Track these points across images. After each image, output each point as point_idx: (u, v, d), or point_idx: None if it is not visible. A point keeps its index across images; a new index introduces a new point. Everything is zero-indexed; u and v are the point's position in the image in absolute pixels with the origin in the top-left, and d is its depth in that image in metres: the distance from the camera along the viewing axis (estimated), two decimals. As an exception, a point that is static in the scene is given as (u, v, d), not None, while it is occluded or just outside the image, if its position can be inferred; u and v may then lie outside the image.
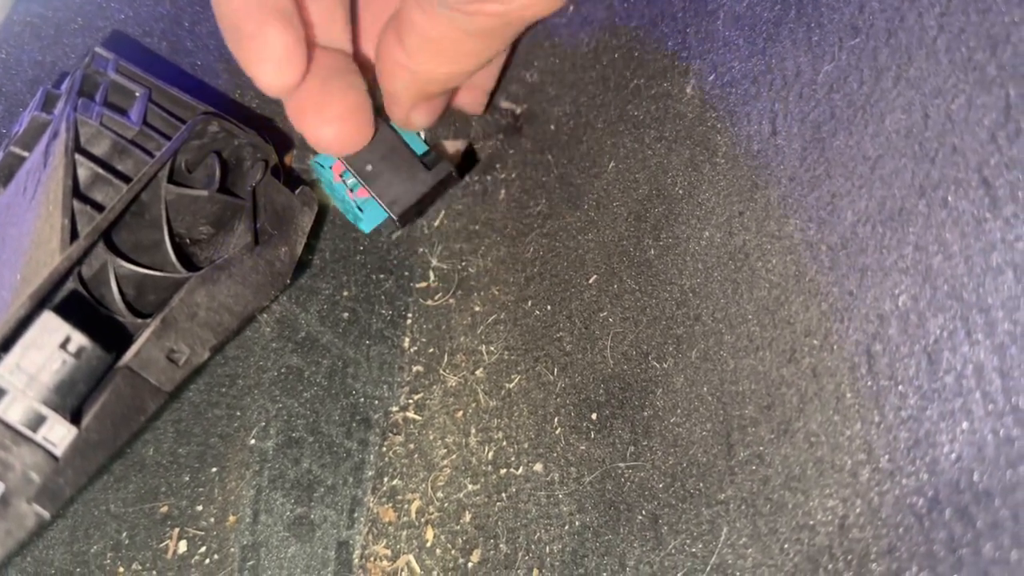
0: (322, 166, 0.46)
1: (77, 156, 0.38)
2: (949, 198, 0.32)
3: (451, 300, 0.56)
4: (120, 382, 0.36)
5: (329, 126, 0.39)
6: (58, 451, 0.34)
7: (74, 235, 0.36)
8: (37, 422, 0.34)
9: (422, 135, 0.48)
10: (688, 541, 0.39)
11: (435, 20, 0.35)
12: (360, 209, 0.46)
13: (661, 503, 0.41)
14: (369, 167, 0.45)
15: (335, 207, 0.55)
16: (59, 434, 0.34)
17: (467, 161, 0.58)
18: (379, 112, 0.44)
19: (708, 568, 0.38)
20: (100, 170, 0.38)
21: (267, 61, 0.35)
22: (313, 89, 0.38)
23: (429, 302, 0.56)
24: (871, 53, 0.37)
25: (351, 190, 0.45)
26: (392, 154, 0.46)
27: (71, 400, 0.35)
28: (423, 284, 0.56)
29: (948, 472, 0.30)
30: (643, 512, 0.42)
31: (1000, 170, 0.31)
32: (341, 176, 0.46)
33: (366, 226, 0.47)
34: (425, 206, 0.48)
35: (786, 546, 0.35)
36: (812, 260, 0.38)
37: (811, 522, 0.34)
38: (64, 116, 0.39)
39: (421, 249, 0.57)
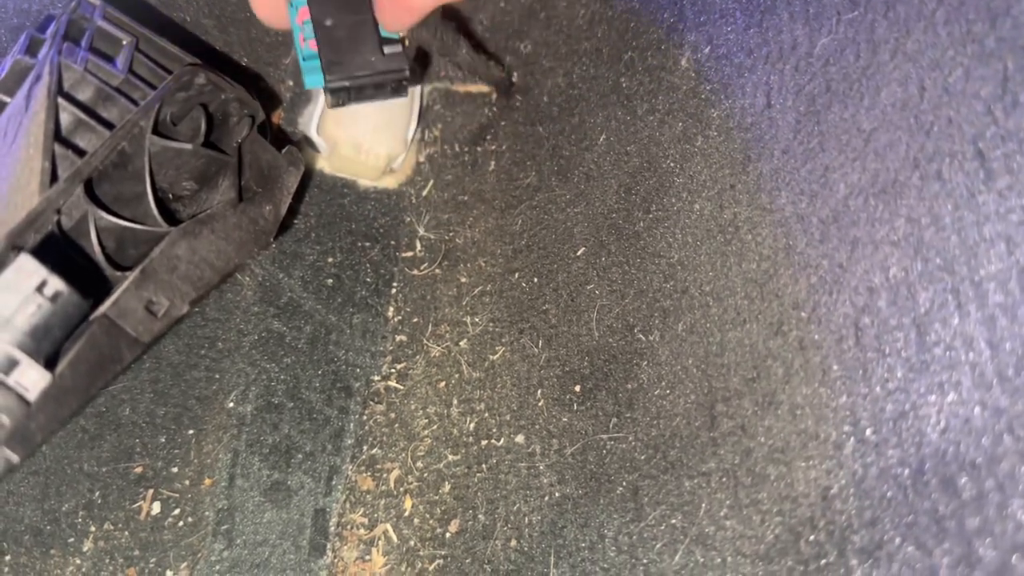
0: (292, 5, 0.43)
1: (60, 100, 0.37)
2: (943, 170, 0.32)
3: (437, 270, 0.55)
4: (97, 330, 0.35)
5: None
6: (30, 396, 0.33)
7: (54, 178, 0.35)
8: (10, 366, 0.33)
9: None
10: (668, 512, 0.39)
11: None
12: (304, 59, 0.42)
13: (642, 474, 0.41)
14: (329, 22, 0.42)
15: (320, 170, 0.55)
16: (32, 379, 0.33)
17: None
18: None
19: (688, 539, 0.38)
20: (83, 116, 0.38)
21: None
22: None
23: (415, 271, 0.55)
24: (869, 26, 0.37)
25: (305, 38, 0.42)
26: (357, 22, 0.42)
27: (46, 345, 0.34)
28: (409, 253, 0.56)
29: (934, 443, 0.30)
30: (624, 483, 0.41)
31: (996, 142, 0.31)
32: (303, 22, 0.42)
33: (308, 81, 0.43)
34: (364, 95, 0.43)
35: (767, 518, 0.35)
36: (803, 233, 0.37)
37: (793, 494, 0.34)
38: (48, 60, 0.38)
39: (408, 218, 0.56)
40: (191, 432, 0.49)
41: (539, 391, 0.48)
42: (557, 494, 0.44)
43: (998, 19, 0.31)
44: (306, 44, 0.42)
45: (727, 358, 0.39)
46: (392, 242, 0.56)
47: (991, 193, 0.30)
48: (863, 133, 0.36)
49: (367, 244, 0.55)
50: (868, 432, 0.32)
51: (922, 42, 0.34)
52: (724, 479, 0.37)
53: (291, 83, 0.53)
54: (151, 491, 0.48)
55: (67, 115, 0.37)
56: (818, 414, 0.34)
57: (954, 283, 0.31)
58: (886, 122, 0.35)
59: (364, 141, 0.54)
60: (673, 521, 0.38)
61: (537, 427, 0.47)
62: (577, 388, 0.46)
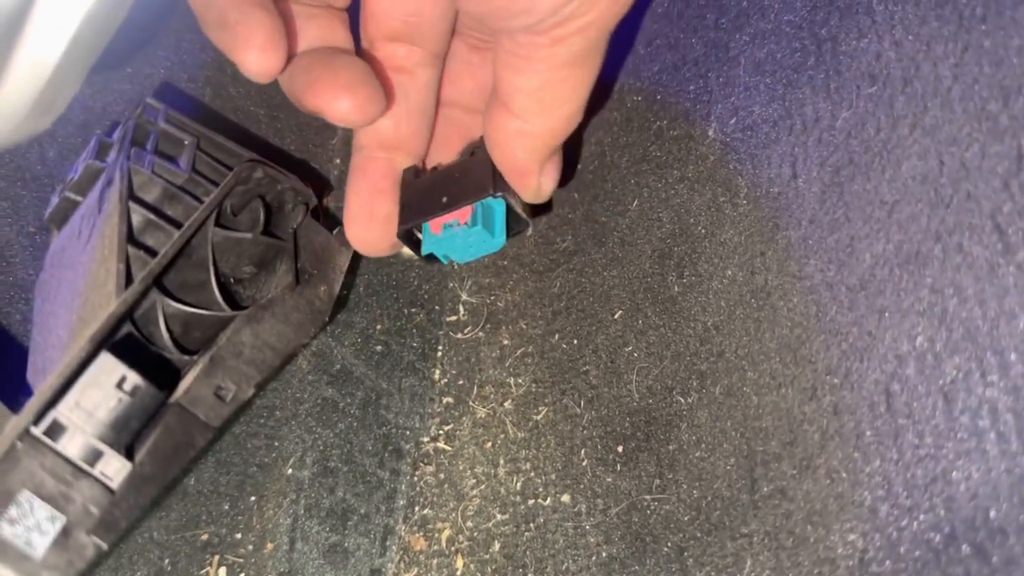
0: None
1: (131, 203, 0.40)
2: (964, 243, 0.33)
3: (480, 333, 0.57)
4: (171, 418, 0.38)
5: (343, 95, 0.37)
6: (114, 484, 0.36)
7: (129, 279, 0.38)
8: (95, 457, 0.36)
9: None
10: (713, 573, 0.40)
11: (533, 67, 0.37)
12: (473, 223, 0.43)
13: (686, 535, 0.42)
14: (444, 199, 0.42)
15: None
16: (114, 468, 0.36)
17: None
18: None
19: (733, 599, 0.39)
20: (152, 216, 0.41)
21: (252, 47, 0.36)
22: (319, 62, 0.38)
23: (459, 335, 0.58)
24: (888, 101, 0.38)
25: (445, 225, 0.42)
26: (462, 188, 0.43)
27: (125, 436, 0.37)
28: (453, 318, 0.58)
29: (964, 509, 0.31)
30: (668, 544, 0.43)
31: (1013, 217, 0.32)
32: (442, 227, 0.43)
33: (491, 244, 0.44)
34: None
35: (808, 579, 0.36)
36: (832, 300, 0.39)
37: (832, 556, 0.35)
38: (118, 165, 0.41)
39: (451, 284, 0.59)
40: (253, 499, 0.52)
41: (583, 451, 0.50)
42: (604, 554, 0.46)
43: (1010, 97, 0.33)
44: (462, 226, 0.43)
45: (764, 422, 0.40)
46: (436, 307, 0.58)
47: (1010, 267, 0.32)
48: (886, 205, 0.37)
49: (413, 310, 0.58)
50: (902, 497, 0.33)
51: (939, 118, 0.36)
52: (766, 541, 0.39)
53: (338, 161, 0.56)
54: (217, 557, 0.50)
55: (137, 217, 0.41)
56: (853, 479, 0.35)
57: (978, 352, 0.32)
58: (907, 194, 0.36)
59: (408, 213, 0.56)
60: (718, 582, 0.40)
61: (582, 487, 0.49)
62: (620, 448, 0.48)
